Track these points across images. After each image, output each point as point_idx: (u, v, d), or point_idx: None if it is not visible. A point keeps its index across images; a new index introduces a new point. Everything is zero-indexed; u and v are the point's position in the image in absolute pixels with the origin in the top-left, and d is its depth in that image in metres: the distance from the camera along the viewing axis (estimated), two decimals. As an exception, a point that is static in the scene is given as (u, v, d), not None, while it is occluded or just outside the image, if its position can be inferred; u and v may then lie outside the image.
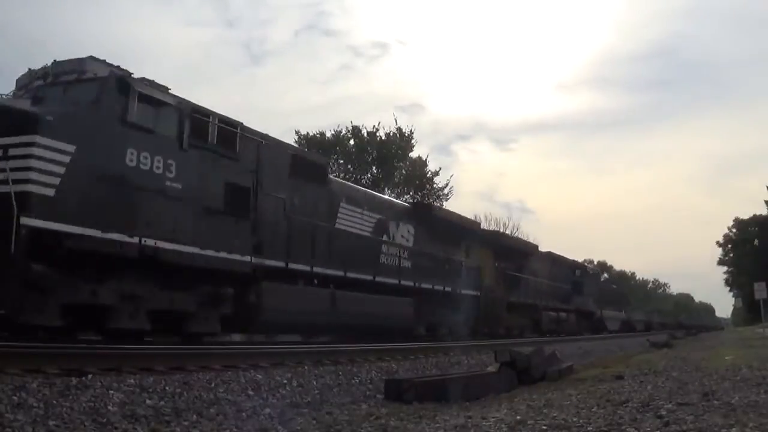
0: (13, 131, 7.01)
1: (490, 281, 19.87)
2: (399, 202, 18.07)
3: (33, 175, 6.93)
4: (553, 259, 28.83)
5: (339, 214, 12.84)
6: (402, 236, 15.27)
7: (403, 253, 14.94)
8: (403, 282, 14.45)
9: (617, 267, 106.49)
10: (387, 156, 34.63)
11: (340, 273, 12.10)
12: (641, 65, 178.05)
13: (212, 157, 9.41)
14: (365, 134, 35.20)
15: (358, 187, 15.56)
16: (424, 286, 15.38)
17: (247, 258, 9.83)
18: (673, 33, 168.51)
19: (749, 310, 53.35)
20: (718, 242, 69.69)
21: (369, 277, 13.13)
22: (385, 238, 14.47)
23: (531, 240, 41.53)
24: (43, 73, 8.66)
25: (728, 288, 71.76)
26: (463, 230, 18.43)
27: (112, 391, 4.84)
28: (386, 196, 17.38)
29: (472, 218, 34.09)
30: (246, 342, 12.07)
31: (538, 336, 22.46)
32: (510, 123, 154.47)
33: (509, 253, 22.56)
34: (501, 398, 6.14)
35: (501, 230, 41.43)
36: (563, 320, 26.98)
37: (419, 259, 15.55)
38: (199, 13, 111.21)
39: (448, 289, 16.44)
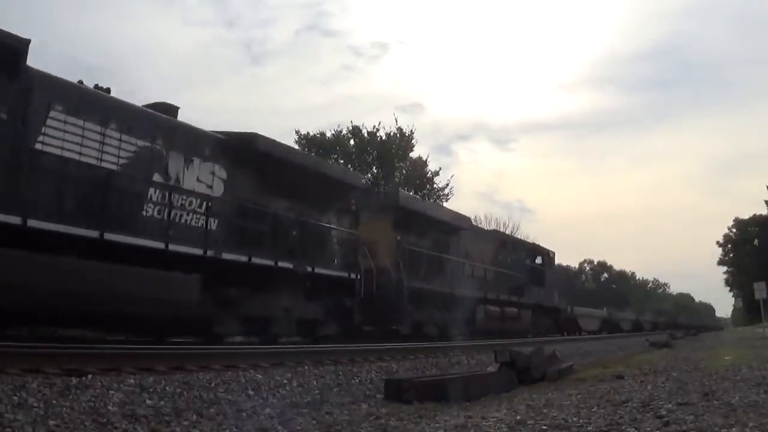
0: None
1: (384, 260, 14.60)
2: (201, 129, 10.78)
3: None
4: (501, 239, 23.35)
5: (45, 129, 8.09)
6: (200, 180, 10.15)
7: (197, 205, 9.84)
8: (174, 247, 9.11)
9: (617, 267, 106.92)
10: (387, 156, 34.72)
11: (16, 221, 7.36)
12: (641, 65, 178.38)
13: None
14: (365, 134, 35.30)
15: (102, 93, 9.30)
16: (231, 257, 10.03)
17: None
18: (674, 33, 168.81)
19: (749, 310, 53.43)
20: (718, 242, 69.79)
21: (93, 234, 8.13)
22: (157, 177, 9.45)
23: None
24: None
25: (728, 288, 71.79)
26: (333, 185, 12.96)
27: (112, 391, 4.84)
28: (172, 118, 10.34)
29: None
30: (246, 342, 12.06)
31: (470, 337, 16.75)
32: (510, 123, 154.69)
33: (423, 224, 16.56)
34: (501, 398, 6.14)
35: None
36: (512, 317, 20.77)
37: (231, 217, 10.46)
38: (199, 13, 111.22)
39: (285, 265, 10.99)
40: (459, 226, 18.79)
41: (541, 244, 27.37)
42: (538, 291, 24.09)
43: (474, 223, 22.45)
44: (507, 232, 27.13)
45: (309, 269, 11.73)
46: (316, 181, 12.32)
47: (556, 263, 29.06)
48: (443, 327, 16.77)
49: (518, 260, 23.24)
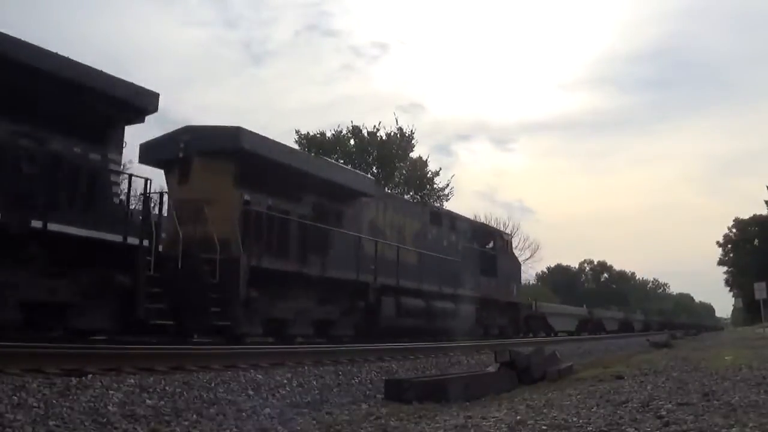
0: None
1: (213, 226, 10.15)
2: None
3: None
4: (431, 214, 18.22)
5: None
6: None
7: None
8: None
9: (617, 267, 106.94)
10: (387, 156, 34.68)
11: None
12: (641, 65, 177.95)
13: None
14: (366, 134, 35.28)
15: None
16: None
17: None
18: (674, 33, 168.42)
19: (749, 310, 53.36)
20: (718, 242, 69.64)
21: None
22: None
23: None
24: None
25: (728, 288, 71.71)
26: (107, 108, 8.91)
27: (112, 391, 4.84)
28: None
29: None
30: (246, 342, 12.05)
31: (371, 338, 13.19)
32: (510, 123, 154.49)
33: (294, 183, 12.16)
34: (501, 398, 6.14)
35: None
36: (446, 313, 16.42)
37: None
38: (199, 13, 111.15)
39: None
40: (358, 190, 14.22)
41: (493, 224, 23.22)
42: (487, 282, 19.52)
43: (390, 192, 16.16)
44: (443, 208, 20.42)
45: (40, 225, 7.58)
46: (76, 99, 8.52)
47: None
48: (323, 326, 12.63)
49: (457, 242, 18.52)
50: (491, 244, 21.14)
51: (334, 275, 12.59)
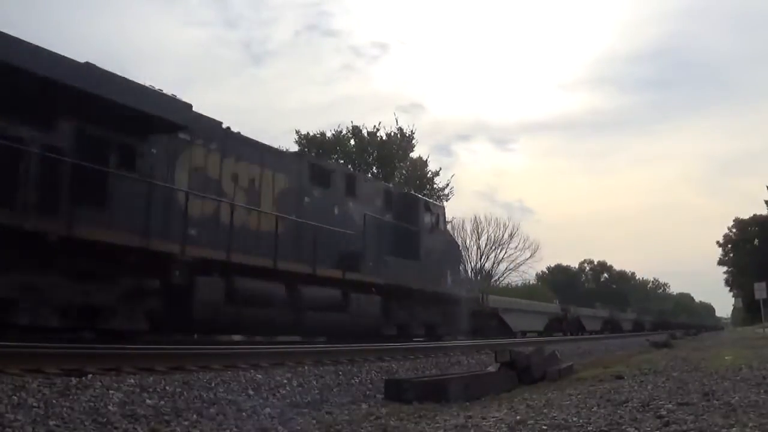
0: None
1: None
2: None
3: None
4: (318, 170, 13.27)
5: None
6: None
7: None
8: None
9: (617, 267, 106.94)
10: (388, 156, 34.71)
11: None
12: (641, 65, 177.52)
13: None
14: (366, 134, 35.32)
15: None
16: None
17: None
18: (674, 33, 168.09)
19: (749, 310, 53.36)
20: (718, 242, 69.55)
21: None
22: None
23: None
24: None
25: (728, 288, 71.70)
26: None
27: (112, 391, 4.84)
28: None
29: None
30: (246, 342, 12.04)
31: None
32: (510, 123, 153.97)
33: (35, 94, 7.76)
34: (501, 398, 6.14)
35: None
36: (330, 304, 12.01)
37: None
38: (200, 13, 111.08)
39: None
40: (166, 119, 9.43)
41: (415, 193, 17.64)
42: (402, 265, 14.61)
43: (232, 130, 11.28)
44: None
45: None
46: None
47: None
48: (89, 314, 8.37)
49: (357, 211, 13.79)
50: (416, 217, 15.68)
51: (103, 239, 8.36)
